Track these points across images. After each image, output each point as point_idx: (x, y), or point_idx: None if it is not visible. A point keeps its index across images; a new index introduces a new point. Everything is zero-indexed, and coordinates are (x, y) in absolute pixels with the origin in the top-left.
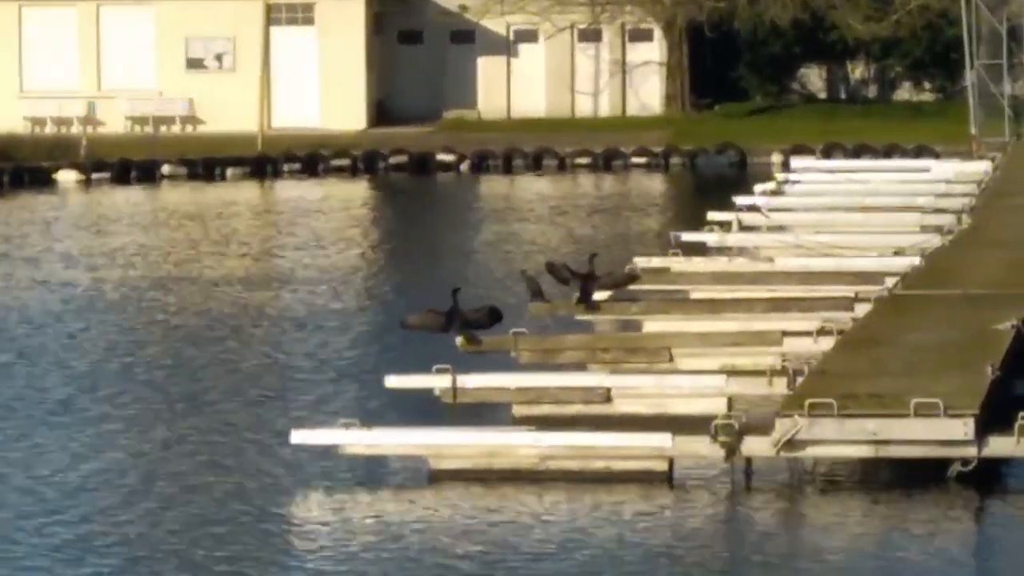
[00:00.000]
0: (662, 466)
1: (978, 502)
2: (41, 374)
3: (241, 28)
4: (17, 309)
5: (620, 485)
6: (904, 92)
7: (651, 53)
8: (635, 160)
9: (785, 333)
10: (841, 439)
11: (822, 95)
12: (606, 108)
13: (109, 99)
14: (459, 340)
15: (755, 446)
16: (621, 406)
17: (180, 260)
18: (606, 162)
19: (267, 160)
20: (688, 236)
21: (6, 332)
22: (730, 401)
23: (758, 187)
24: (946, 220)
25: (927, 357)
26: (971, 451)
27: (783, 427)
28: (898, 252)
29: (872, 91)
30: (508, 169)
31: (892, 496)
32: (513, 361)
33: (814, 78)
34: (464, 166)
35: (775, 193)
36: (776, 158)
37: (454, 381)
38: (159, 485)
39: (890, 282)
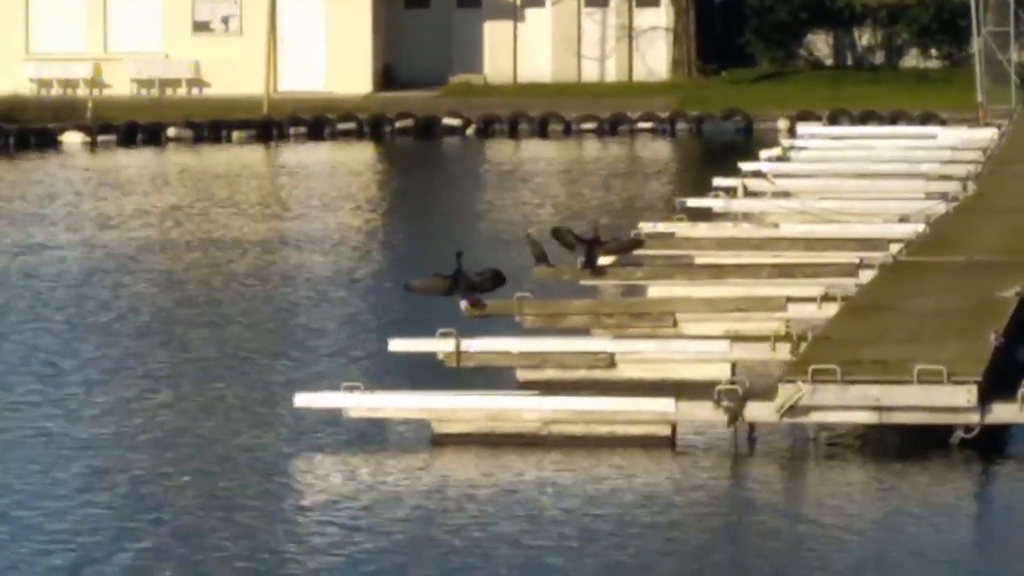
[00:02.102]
0: (665, 431)
1: (981, 469)
2: (38, 336)
3: None
4: (17, 271)
5: (623, 450)
6: (911, 59)
7: (658, 18)
8: (641, 125)
9: (789, 299)
10: (844, 405)
11: (828, 61)
12: (612, 73)
13: (115, 61)
14: (463, 304)
15: (758, 411)
16: (625, 371)
17: (185, 222)
18: (612, 127)
19: (273, 123)
20: (693, 202)
21: (5, 293)
22: (734, 366)
23: (764, 153)
24: (951, 187)
25: (931, 324)
26: (974, 418)
27: (786, 393)
28: (903, 219)
29: (879, 58)
30: (514, 134)
31: (895, 462)
32: (517, 325)
33: (821, 44)
34: (470, 131)
35: (781, 159)
36: (782, 124)
37: (458, 345)
38: (159, 448)
39: (895, 249)
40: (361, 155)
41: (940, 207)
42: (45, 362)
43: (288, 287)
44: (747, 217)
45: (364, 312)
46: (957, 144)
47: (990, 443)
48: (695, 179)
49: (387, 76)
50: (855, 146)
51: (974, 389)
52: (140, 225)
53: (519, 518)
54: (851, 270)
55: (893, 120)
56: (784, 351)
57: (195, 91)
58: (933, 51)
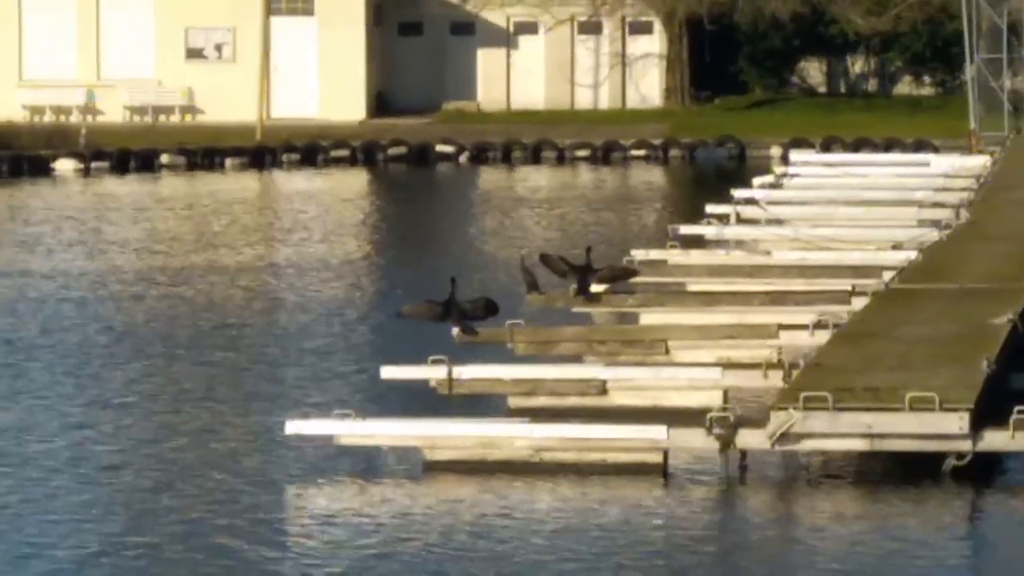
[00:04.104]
0: (657, 458)
1: (973, 496)
2: (29, 363)
3: (241, 18)
4: (9, 298)
5: (615, 478)
6: (904, 86)
7: (651, 46)
8: (634, 152)
9: (781, 326)
10: (836, 432)
11: (822, 89)
12: (606, 100)
13: (108, 88)
14: (455, 331)
15: (750, 439)
16: (617, 398)
17: (177, 250)
18: (605, 154)
19: (266, 150)
20: (686, 229)
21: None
22: (726, 394)
23: (757, 180)
24: (944, 214)
25: (923, 351)
26: (966, 445)
27: (778, 420)
28: (896, 246)
29: (872, 85)
30: (507, 161)
31: (887, 490)
32: (509, 352)
33: (814, 72)
34: (463, 157)
35: (774, 186)
36: (775, 151)
37: (450, 372)
38: (151, 475)
39: (887, 276)
40: (354, 182)
41: (933, 234)
42: (28, 391)
43: (280, 314)
44: (740, 244)
45: (356, 339)
46: (950, 171)
47: (982, 471)
48: (688, 206)
49: (381, 103)
50: (848, 173)
51: (966, 416)
52: (131, 253)
53: (509, 546)
54: (843, 298)
55: (886, 147)
56: (776, 378)
57: (188, 118)
58: (926, 78)
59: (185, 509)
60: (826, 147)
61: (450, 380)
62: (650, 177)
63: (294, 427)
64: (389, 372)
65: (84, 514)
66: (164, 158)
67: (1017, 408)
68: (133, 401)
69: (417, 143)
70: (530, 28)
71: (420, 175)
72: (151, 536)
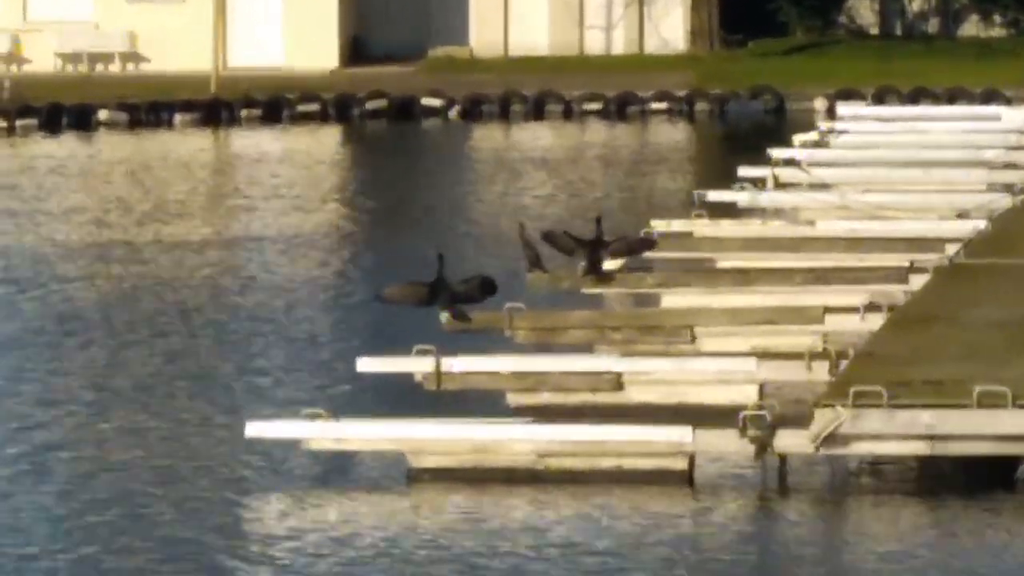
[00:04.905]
0: (681, 464)
1: None
2: None
3: None
4: None
5: (632, 487)
6: (970, 26)
7: None
8: (654, 106)
9: (827, 309)
10: (891, 434)
11: (874, 30)
12: (620, 45)
13: (36, 32)
14: (445, 316)
15: (790, 441)
16: (634, 394)
17: (120, 221)
18: (620, 108)
19: (222, 105)
20: (715, 195)
21: None
22: (761, 389)
23: (798, 138)
24: (1018, 177)
25: (993, 338)
26: None
27: (823, 419)
28: (961, 214)
29: (933, 25)
30: (505, 116)
31: (950, 501)
32: (508, 341)
33: (865, 10)
34: (453, 112)
35: (818, 145)
36: (819, 104)
37: (438, 364)
38: (98, 484)
39: (951, 249)
40: (326, 142)
41: (1005, 201)
42: None
43: (240, 297)
44: (778, 213)
45: (329, 326)
46: None
47: None
48: (717, 169)
49: (356, 49)
50: (905, 129)
51: None
52: (70, 226)
53: (508, 569)
54: (900, 275)
55: (950, 99)
56: (821, 371)
57: (131, 67)
58: (996, 17)
59: (132, 522)
60: (879, 99)
61: (438, 374)
62: (673, 135)
63: (255, 429)
64: (367, 364)
65: (20, 526)
66: (102, 114)
67: None
68: (78, 398)
69: (399, 96)
70: None
71: (403, 133)
72: (94, 551)
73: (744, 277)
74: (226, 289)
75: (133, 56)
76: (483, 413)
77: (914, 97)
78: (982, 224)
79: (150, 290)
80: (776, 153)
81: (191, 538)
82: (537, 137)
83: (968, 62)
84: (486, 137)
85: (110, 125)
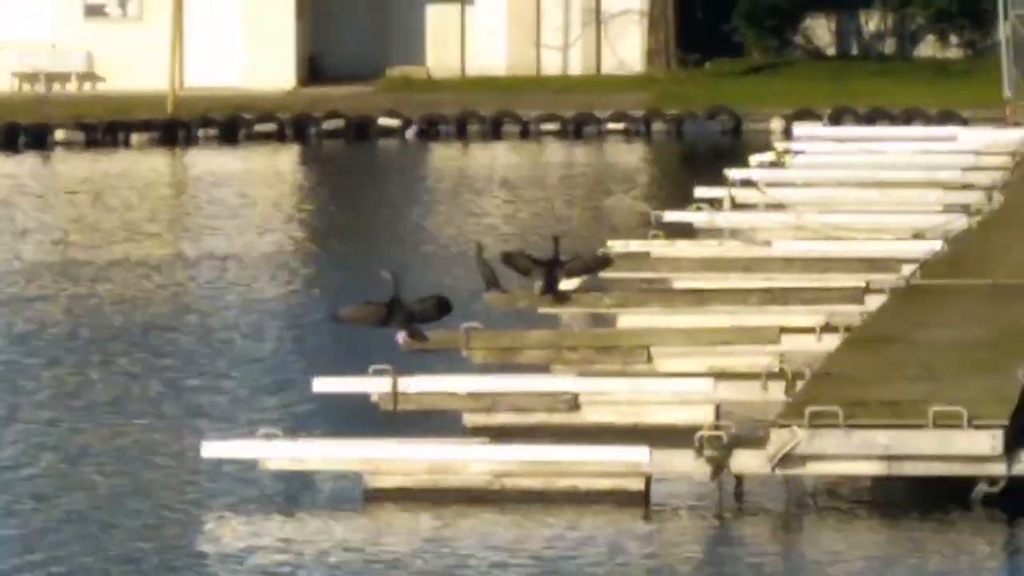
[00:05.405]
0: (638, 485)
1: (1008, 529)
2: None
3: None
4: None
5: (589, 507)
6: (927, 47)
7: (631, 1)
8: (611, 126)
9: (784, 329)
10: (847, 454)
11: (830, 51)
12: (578, 65)
13: None
14: (401, 336)
15: (747, 462)
16: (591, 414)
17: (76, 242)
18: (577, 129)
19: (179, 124)
20: (672, 215)
21: None
22: (718, 409)
23: (754, 158)
24: (974, 198)
25: (949, 358)
26: (1000, 469)
27: (780, 439)
28: (917, 235)
29: (889, 46)
30: (462, 136)
31: (907, 521)
32: (464, 361)
33: (821, 31)
34: (410, 132)
35: (774, 165)
36: (776, 124)
37: (395, 384)
38: (51, 504)
39: (907, 270)
40: (283, 161)
41: (961, 221)
42: None
43: (195, 316)
44: (734, 234)
45: (285, 346)
46: (981, 147)
47: (1018, 498)
48: (674, 189)
49: (313, 69)
50: (862, 150)
51: (999, 435)
52: (25, 245)
53: None
54: (856, 296)
55: (906, 119)
56: (777, 391)
57: (87, 86)
58: (953, 38)
59: (81, 546)
60: (836, 119)
61: (395, 394)
62: (630, 155)
63: (212, 449)
64: (323, 385)
65: None
66: (59, 134)
67: None
68: (32, 417)
69: (356, 116)
70: None
71: (360, 153)
72: (50, 568)
73: (701, 297)
74: (182, 309)
75: (90, 75)
76: (440, 433)
77: (871, 118)
78: (938, 245)
79: (106, 309)
80: (733, 173)
81: (145, 558)
82: (494, 157)
83: (924, 83)
84: (443, 157)
85: (67, 144)
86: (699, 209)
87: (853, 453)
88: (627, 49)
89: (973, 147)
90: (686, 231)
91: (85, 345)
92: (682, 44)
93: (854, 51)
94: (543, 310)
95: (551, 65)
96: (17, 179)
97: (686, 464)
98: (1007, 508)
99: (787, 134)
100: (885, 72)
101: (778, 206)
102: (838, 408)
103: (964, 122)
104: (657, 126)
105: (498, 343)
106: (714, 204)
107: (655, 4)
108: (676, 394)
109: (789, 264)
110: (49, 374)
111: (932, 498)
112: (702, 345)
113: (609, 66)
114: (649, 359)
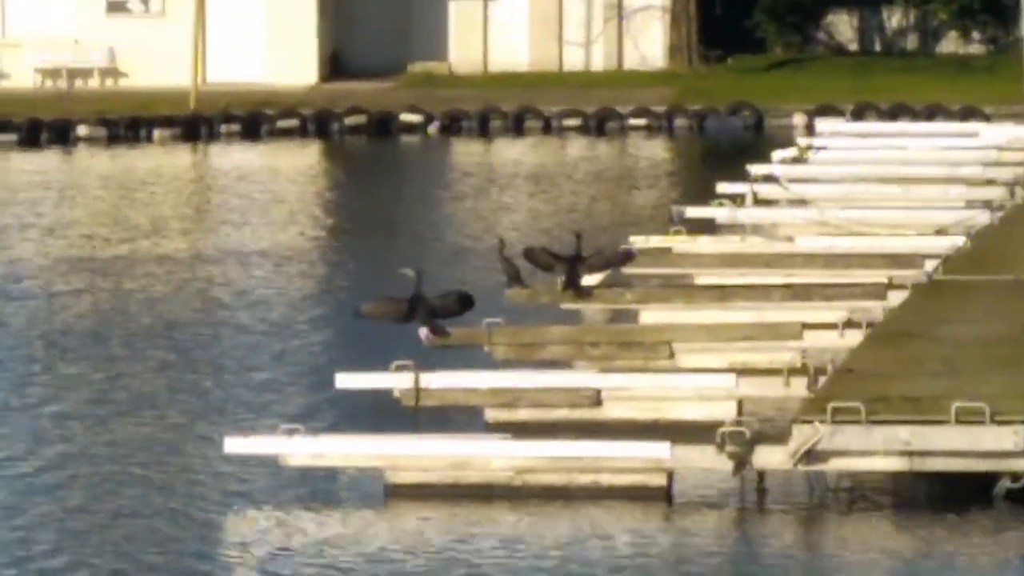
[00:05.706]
0: (660, 480)
1: None
2: None
3: None
4: None
5: (610, 503)
6: (949, 43)
7: None
8: (633, 122)
9: (806, 325)
10: (869, 450)
11: (853, 46)
12: (600, 61)
13: (14, 47)
14: (423, 332)
15: (769, 457)
16: (613, 410)
17: (99, 238)
18: (599, 124)
19: (201, 120)
20: (694, 211)
21: None
22: (740, 405)
23: (777, 154)
24: (996, 193)
25: (971, 354)
26: (1022, 464)
27: (802, 435)
28: (940, 231)
29: (912, 42)
30: (484, 132)
31: (928, 517)
32: (486, 357)
33: (843, 27)
34: (432, 128)
35: (796, 161)
36: (798, 120)
37: (416, 380)
38: (74, 499)
39: (930, 266)
40: (305, 157)
41: (983, 217)
42: None
43: (218, 312)
44: (756, 230)
45: (307, 342)
46: (1003, 143)
47: None
48: (696, 185)
49: (335, 65)
50: (884, 146)
51: (1022, 431)
52: (48, 241)
53: None
54: (878, 291)
55: (929, 115)
56: (799, 386)
57: (110, 82)
58: (975, 34)
59: (106, 540)
60: (858, 115)
61: (417, 390)
62: (652, 151)
63: (234, 445)
64: (346, 381)
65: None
66: (81, 130)
67: None
68: (56, 412)
69: (378, 111)
70: None
71: (382, 149)
72: (72, 563)
73: (723, 293)
74: (204, 305)
75: (112, 71)
76: (461, 429)
77: (893, 113)
78: (961, 241)
79: (129, 305)
80: (755, 169)
81: (168, 553)
82: (517, 153)
83: (947, 79)
84: (465, 153)
85: (89, 140)
86: (721, 205)
87: (875, 449)
88: (649, 45)
89: (995, 143)
90: (708, 227)
91: (107, 341)
92: (704, 40)
93: (876, 47)
94: (565, 306)
95: (573, 61)
96: (40, 175)
97: (708, 460)
98: None
99: (809, 130)
100: (907, 68)
101: (800, 202)
102: (860, 404)
103: (986, 118)
104: (679, 122)
105: (520, 339)
106: (736, 200)
107: (677, 0)
108: (698, 390)
109: (811, 260)
110: (72, 370)
111: (954, 494)
112: (724, 341)
113: (631, 62)
114: (671, 355)
